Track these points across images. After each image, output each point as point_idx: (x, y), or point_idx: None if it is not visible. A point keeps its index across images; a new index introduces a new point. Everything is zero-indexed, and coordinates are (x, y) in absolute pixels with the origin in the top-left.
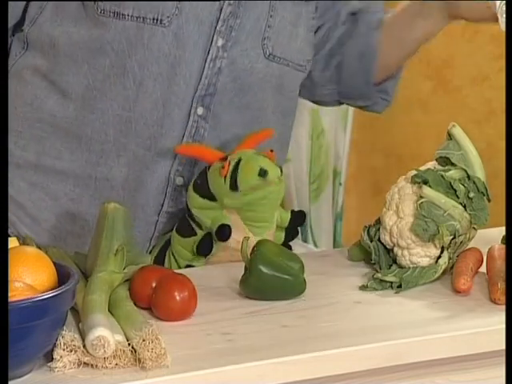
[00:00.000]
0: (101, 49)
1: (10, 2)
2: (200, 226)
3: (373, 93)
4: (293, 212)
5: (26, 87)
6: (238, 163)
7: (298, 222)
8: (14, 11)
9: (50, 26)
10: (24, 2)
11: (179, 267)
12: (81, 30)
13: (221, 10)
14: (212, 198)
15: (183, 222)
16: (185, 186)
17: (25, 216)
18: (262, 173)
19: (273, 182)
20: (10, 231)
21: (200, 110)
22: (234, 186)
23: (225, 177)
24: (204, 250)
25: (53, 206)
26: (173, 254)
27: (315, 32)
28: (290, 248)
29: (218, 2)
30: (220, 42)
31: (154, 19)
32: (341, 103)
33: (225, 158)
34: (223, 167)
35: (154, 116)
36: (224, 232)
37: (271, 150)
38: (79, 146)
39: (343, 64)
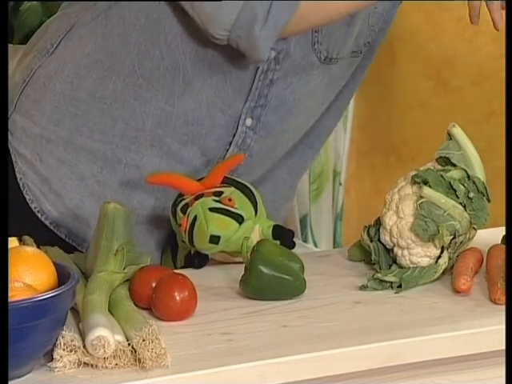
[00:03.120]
0: (154, 37)
1: None
2: None
3: None
4: (275, 227)
5: (66, 65)
6: (192, 223)
7: (282, 238)
8: None
9: (103, 4)
10: None
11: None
12: (136, 8)
13: None
14: None
15: None
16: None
17: (49, 192)
18: (214, 240)
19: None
20: (32, 206)
21: (249, 121)
22: (191, 244)
23: (184, 231)
24: (189, 264)
25: (78, 186)
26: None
27: None
28: (293, 244)
29: None
30: (273, 54)
31: None
32: None
33: (186, 207)
34: (181, 223)
35: (195, 115)
36: (195, 261)
37: (229, 199)
38: (113, 129)
39: None
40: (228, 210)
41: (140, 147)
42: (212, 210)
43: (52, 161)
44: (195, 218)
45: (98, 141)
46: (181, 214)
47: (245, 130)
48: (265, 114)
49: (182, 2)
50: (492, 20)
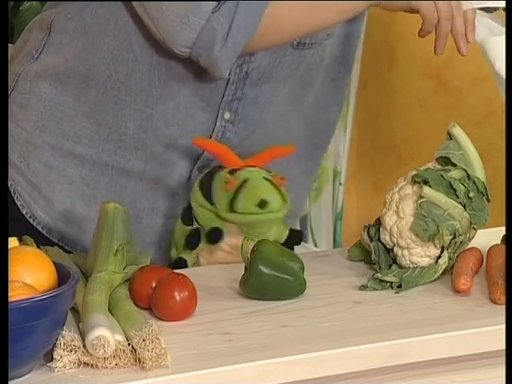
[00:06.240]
0: (126, 41)
1: None
2: (197, 220)
3: None
4: (291, 230)
5: (48, 71)
6: (243, 184)
7: (294, 240)
8: None
9: (78, 9)
10: None
11: (176, 250)
12: (107, 13)
13: None
14: (212, 202)
15: (188, 210)
16: None
17: (39, 197)
18: (262, 204)
19: (271, 212)
20: (24, 211)
21: (227, 115)
22: (232, 206)
23: (227, 190)
24: (190, 243)
25: (68, 190)
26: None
27: None
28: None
29: None
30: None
31: None
32: None
33: (234, 171)
34: (229, 182)
35: (175, 116)
36: (215, 235)
37: (281, 178)
38: (98, 133)
39: None
40: (278, 188)
41: (125, 151)
42: (265, 179)
43: (39, 166)
44: (247, 180)
45: (85, 145)
46: (228, 176)
47: (223, 124)
48: (242, 106)
49: (144, 18)
50: (456, 46)
